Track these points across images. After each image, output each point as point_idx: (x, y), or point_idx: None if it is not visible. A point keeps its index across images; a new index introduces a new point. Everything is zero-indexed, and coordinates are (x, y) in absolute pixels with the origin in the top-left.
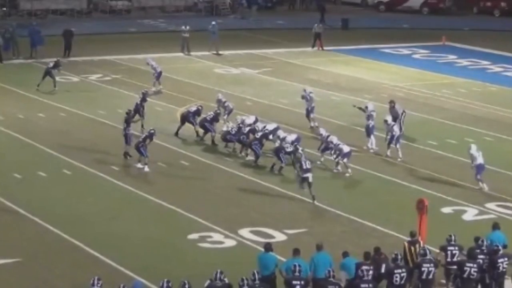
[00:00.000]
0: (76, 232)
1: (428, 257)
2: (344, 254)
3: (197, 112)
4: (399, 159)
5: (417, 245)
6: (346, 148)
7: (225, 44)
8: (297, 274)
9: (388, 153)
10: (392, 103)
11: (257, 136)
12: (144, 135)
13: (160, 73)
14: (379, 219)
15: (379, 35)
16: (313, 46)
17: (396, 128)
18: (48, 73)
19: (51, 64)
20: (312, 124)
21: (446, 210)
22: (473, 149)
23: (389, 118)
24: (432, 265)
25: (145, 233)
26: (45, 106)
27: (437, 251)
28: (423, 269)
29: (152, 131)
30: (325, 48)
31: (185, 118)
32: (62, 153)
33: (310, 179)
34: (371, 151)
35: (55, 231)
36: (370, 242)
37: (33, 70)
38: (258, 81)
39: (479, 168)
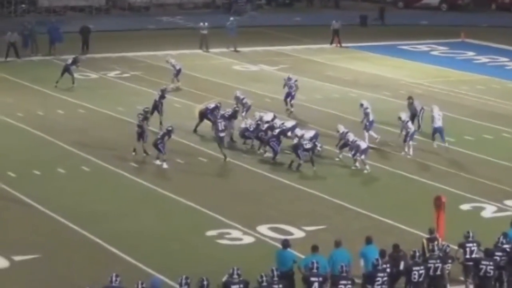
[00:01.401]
0: (94, 228)
1: (436, 253)
2: (367, 240)
3: (216, 109)
4: (408, 156)
5: (435, 242)
6: (363, 145)
7: (243, 41)
8: (315, 271)
9: (406, 150)
10: (410, 99)
11: (275, 133)
12: (162, 132)
13: (179, 70)
14: (398, 216)
15: (397, 32)
16: (331, 43)
17: (410, 125)
18: (66, 69)
19: (70, 61)
20: (288, 107)
21: (465, 207)
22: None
23: (403, 115)
24: (438, 261)
25: (163, 230)
26: (64, 103)
27: (456, 248)
28: (429, 265)
29: (170, 128)
30: (343, 44)
31: (204, 114)
32: (81, 150)
33: None
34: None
35: (74, 228)
36: (389, 239)
37: (51, 67)
38: (276, 78)
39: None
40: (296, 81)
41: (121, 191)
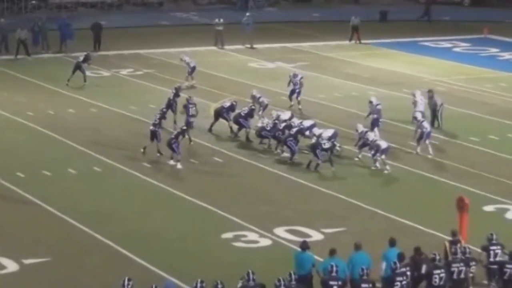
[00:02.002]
0: (106, 230)
1: (459, 256)
2: (391, 243)
3: (231, 108)
4: (429, 156)
5: (458, 245)
6: (383, 144)
7: (259, 37)
8: (334, 274)
9: (418, 150)
10: (430, 92)
11: (292, 132)
12: (176, 132)
13: (193, 68)
14: (419, 217)
15: (418, 27)
16: (350, 39)
17: (426, 125)
18: (78, 67)
19: (81, 58)
20: (292, 103)
21: (488, 208)
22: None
23: (419, 115)
24: (462, 264)
25: (177, 232)
26: (75, 102)
27: (479, 251)
28: (452, 269)
29: (185, 127)
30: (363, 41)
31: (219, 113)
32: (93, 149)
33: None
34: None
35: (85, 230)
36: (410, 241)
37: (63, 65)
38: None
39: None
40: (301, 78)
41: (134, 192)
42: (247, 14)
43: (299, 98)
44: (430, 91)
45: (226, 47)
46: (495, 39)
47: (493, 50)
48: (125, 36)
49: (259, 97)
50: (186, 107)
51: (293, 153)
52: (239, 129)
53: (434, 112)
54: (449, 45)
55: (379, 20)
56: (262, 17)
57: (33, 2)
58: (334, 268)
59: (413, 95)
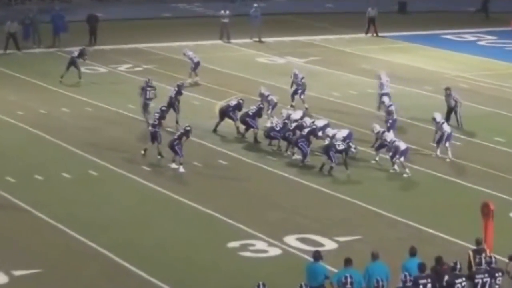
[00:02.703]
0: (103, 239)
1: (483, 267)
2: (411, 252)
3: (238, 107)
4: (448, 159)
5: (483, 254)
6: (402, 146)
7: (268, 30)
8: (348, 286)
9: (438, 152)
10: (448, 90)
11: (304, 133)
12: (179, 132)
13: (197, 64)
14: (440, 224)
15: (440, 19)
16: (366, 32)
17: (446, 127)
18: (72, 63)
19: (76, 53)
20: (293, 103)
21: None
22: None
23: (438, 116)
24: (487, 275)
25: (180, 241)
26: (69, 100)
27: (506, 261)
28: (476, 280)
29: (189, 128)
30: (380, 34)
31: (225, 113)
32: (88, 152)
33: None
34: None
35: (80, 239)
36: (431, 250)
37: (55, 60)
38: (306, 72)
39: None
40: (303, 78)
41: (133, 198)
42: (255, 5)
43: (302, 97)
44: (447, 88)
45: (233, 40)
46: None
47: None
48: (123, 29)
49: (268, 95)
50: (144, 89)
51: (304, 155)
52: (247, 130)
53: (451, 111)
54: (473, 38)
55: (397, 11)
56: (271, 8)
57: None
58: (349, 280)
59: (379, 76)
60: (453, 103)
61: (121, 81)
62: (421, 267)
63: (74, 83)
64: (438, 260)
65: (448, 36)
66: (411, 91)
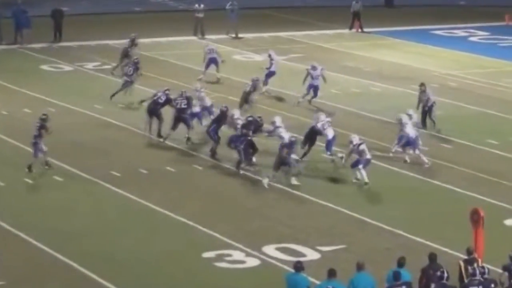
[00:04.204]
0: (70, 250)
1: (477, 277)
2: (400, 263)
3: (168, 102)
4: (426, 165)
5: (475, 264)
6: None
7: (246, 25)
8: None
9: (407, 158)
10: (422, 86)
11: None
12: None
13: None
14: (429, 233)
15: (429, 14)
16: (351, 28)
17: (409, 129)
18: (125, 54)
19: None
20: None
21: (510, 222)
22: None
23: (404, 117)
24: (480, 287)
25: (152, 251)
26: (32, 100)
27: (500, 271)
28: None
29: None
30: (365, 29)
31: (152, 111)
32: (52, 156)
33: None
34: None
35: (45, 249)
36: (419, 260)
37: (18, 57)
38: (286, 69)
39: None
40: (257, 80)
41: (102, 205)
42: None
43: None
44: (422, 84)
45: (207, 36)
46: None
47: None
48: (91, 25)
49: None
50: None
51: (240, 161)
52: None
53: (425, 110)
54: (464, 34)
55: (384, 5)
56: (249, 2)
57: None
58: None
59: (269, 55)
60: (426, 100)
61: (88, 80)
62: (396, 275)
63: (35, 80)
64: (432, 259)
65: (438, 32)
66: (396, 90)
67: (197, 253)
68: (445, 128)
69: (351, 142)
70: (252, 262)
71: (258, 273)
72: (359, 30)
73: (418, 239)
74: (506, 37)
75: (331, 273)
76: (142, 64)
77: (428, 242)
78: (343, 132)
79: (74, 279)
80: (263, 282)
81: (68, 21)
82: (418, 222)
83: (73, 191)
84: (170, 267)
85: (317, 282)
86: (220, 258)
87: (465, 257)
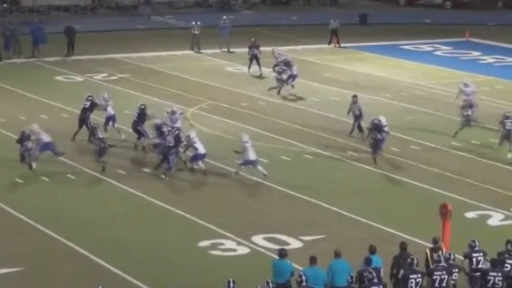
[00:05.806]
0: (81, 240)
1: (442, 264)
2: (371, 250)
3: (94, 106)
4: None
5: (439, 252)
6: (201, 149)
7: (237, 41)
8: (304, 284)
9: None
10: (355, 97)
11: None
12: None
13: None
14: (400, 224)
15: (399, 31)
16: (329, 43)
17: (199, 145)
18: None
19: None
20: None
21: (470, 214)
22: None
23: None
24: (444, 272)
25: (153, 241)
26: (47, 107)
27: (462, 258)
28: (434, 277)
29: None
30: (342, 44)
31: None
32: (66, 156)
33: None
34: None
35: (59, 239)
36: (391, 249)
37: (34, 69)
38: (272, 80)
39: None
40: (182, 113)
41: (109, 200)
42: (224, 17)
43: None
44: (354, 96)
45: (203, 51)
46: (477, 42)
47: (475, 54)
48: (99, 40)
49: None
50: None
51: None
52: (139, 138)
53: (357, 119)
54: (430, 49)
55: (358, 23)
56: (239, 20)
57: (5, 5)
58: (303, 278)
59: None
60: (357, 112)
61: (97, 89)
62: (367, 260)
63: (50, 90)
64: (403, 248)
65: (406, 47)
66: (371, 98)
67: (193, 242)
68: (414, 132)
69: (241, 139)
70: (243, 250)
71: (248, 259)
72: (337, 45)
73: (390, 230)
74: (467, 51)
75: (312, 260)
76: (144, 75)
77: (399, 233)
78: (325, 136)
79: (84, 265)
80: (253, 268)
81: (79, 37)
82: (390, 215)
83: (84, 187)
84: (170, 255)
85: (300, 268)
86: (214, 246)
87: (431, 245)
